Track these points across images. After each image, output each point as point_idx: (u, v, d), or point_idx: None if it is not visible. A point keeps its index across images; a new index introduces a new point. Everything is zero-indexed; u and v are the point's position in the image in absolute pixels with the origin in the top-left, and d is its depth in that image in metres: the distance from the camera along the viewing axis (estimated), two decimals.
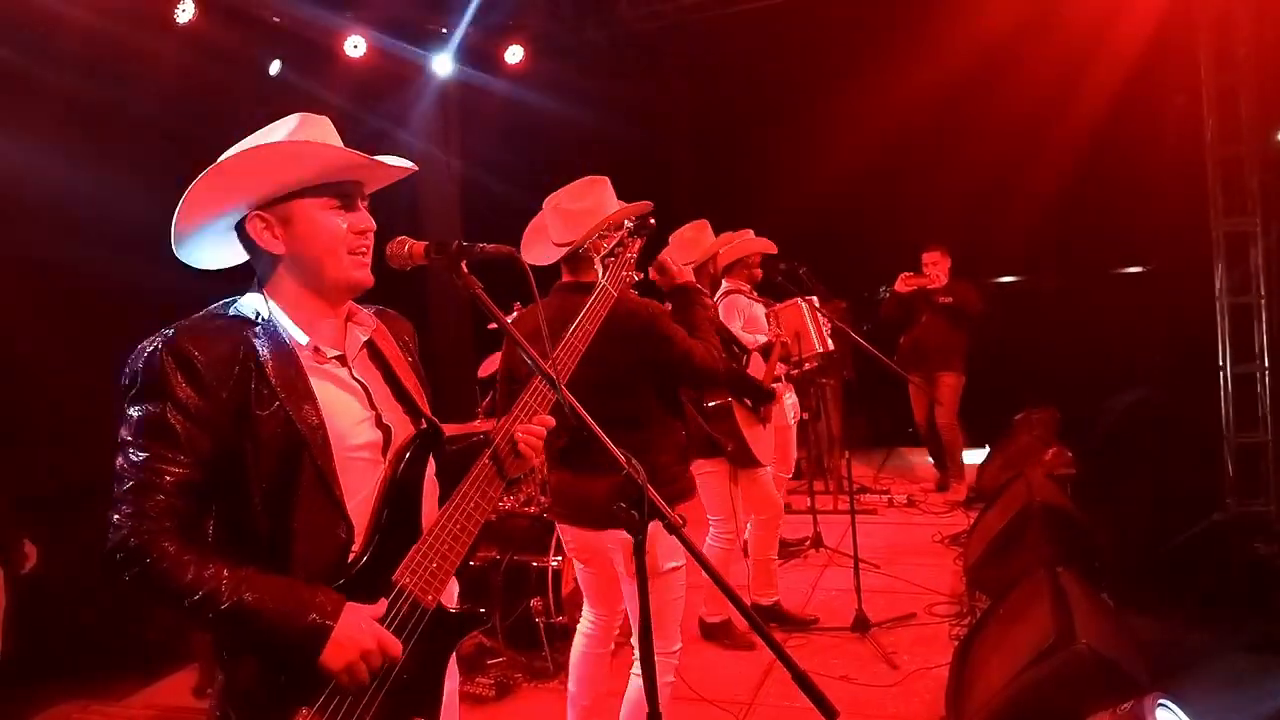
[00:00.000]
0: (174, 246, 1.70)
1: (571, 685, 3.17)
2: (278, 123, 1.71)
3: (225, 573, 1.51)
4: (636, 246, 2.32)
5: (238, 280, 1.76)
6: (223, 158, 1.68)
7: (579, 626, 3.22)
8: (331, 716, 1.57)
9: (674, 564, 2.86)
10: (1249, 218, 5.87)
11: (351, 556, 1.65)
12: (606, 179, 2.93)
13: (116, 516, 1.50)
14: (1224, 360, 6.01)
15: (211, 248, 1.75)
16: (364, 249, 1.73)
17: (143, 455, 1.52)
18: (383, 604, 1.63)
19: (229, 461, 1.57)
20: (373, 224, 1.74)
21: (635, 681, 2.96)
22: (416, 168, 1.79)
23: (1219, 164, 5.90)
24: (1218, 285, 6.03)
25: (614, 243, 2.30)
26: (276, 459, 1.59)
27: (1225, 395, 6.01)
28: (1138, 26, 6.09)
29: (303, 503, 1.60)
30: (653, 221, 2.37)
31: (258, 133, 1.71)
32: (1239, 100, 5.80)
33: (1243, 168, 5.85)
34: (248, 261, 1.77)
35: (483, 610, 1.83)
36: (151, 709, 4.17)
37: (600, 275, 2.23)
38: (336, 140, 1.72)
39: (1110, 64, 6.42)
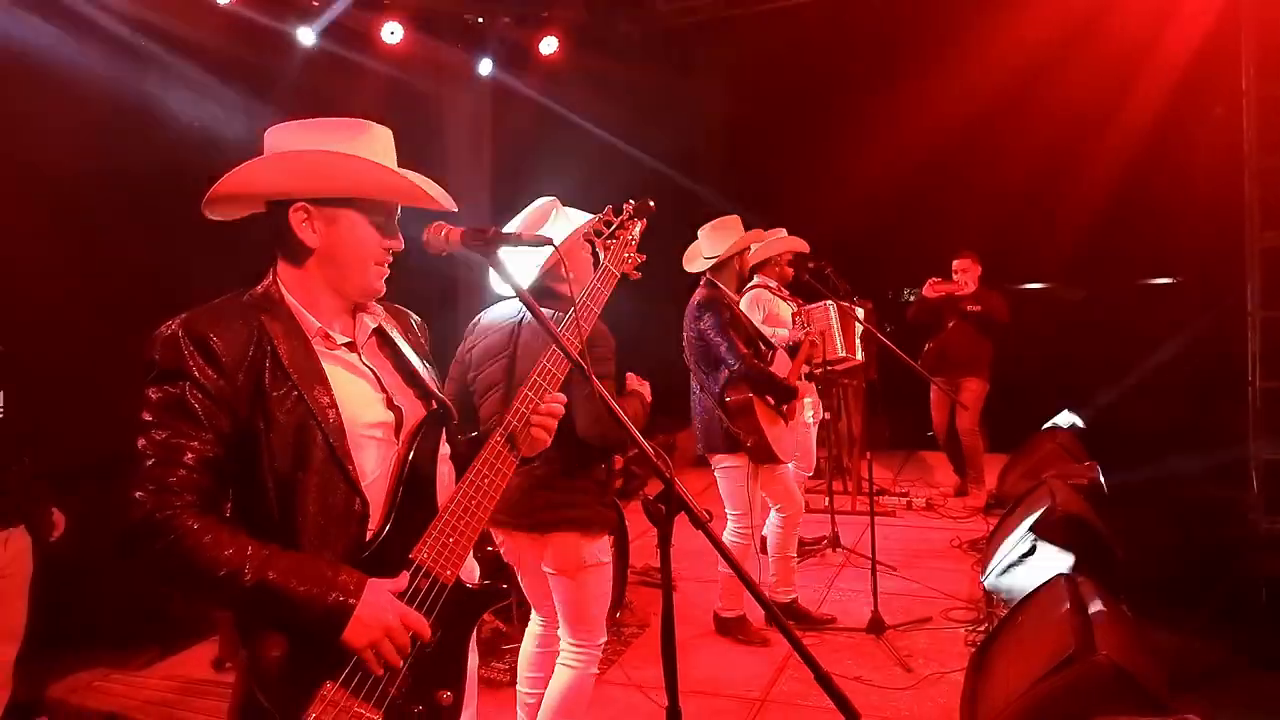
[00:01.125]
0: (206, 200, 1.74)
1: (521, 686, 3.21)
2: (344, 123, 1.75)
3: (249, 550, 1.54)
4: (637, 229, 2.32)
5: (257, 262, 1.80)
6: (286, 143, 1.71)
7: (528, 627, 3.26)
8: (357, 689, 1.60)
9: (595, 560, 2.96)
10: None
11: (370, 535, 1.68)
12: (553, 200, 2.99)
13: (138, 493, 1.52)
14: (1253, 375, 5.94)
15: (233, 208, 1.80)
16: (388, 264, 1.80)
17: (164, 434, 1.55)
18: (403, 578, 1.67)
19: (244, 442, 1.62)
20: (402, 245, 1.81)
21: (564, 672, 3.01)
22: (457, 209, 1.86)
23: (1258, 176, 5.82)
24: (1250, 299, 5.95)
25: (614, 225, 2.29)
26: (291, 438, 1.63)
27: (1252, 411, 5.94)
28: (1179, 37, 6.03)
29: (317, 481, 1.64)
30: (652, 204, 2.38)
31: (319, 124, 1.74)
32: None
33: None
34: (263, 245, 1.80)
35: (504, 585, 1.85)
36: (171, 680, 4.22)
37: (603, 256, 2.23)
38: (393, 154, 1.78)
39: (1150, 73, 6.36)
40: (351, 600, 1.57)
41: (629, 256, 2.28)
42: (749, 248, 4.56)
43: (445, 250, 1.85)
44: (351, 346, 1.78)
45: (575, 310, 2.03)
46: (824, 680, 1.49)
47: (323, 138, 1.72)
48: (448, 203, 1.82)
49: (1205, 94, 6.65)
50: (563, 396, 1.93)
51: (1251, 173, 5.83)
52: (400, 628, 1.61)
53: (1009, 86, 6.87)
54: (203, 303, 1.70)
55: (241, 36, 5.25)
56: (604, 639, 3.06)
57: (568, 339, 1.97)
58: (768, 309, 5.00)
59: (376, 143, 1.76)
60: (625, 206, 2.36)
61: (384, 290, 1.81)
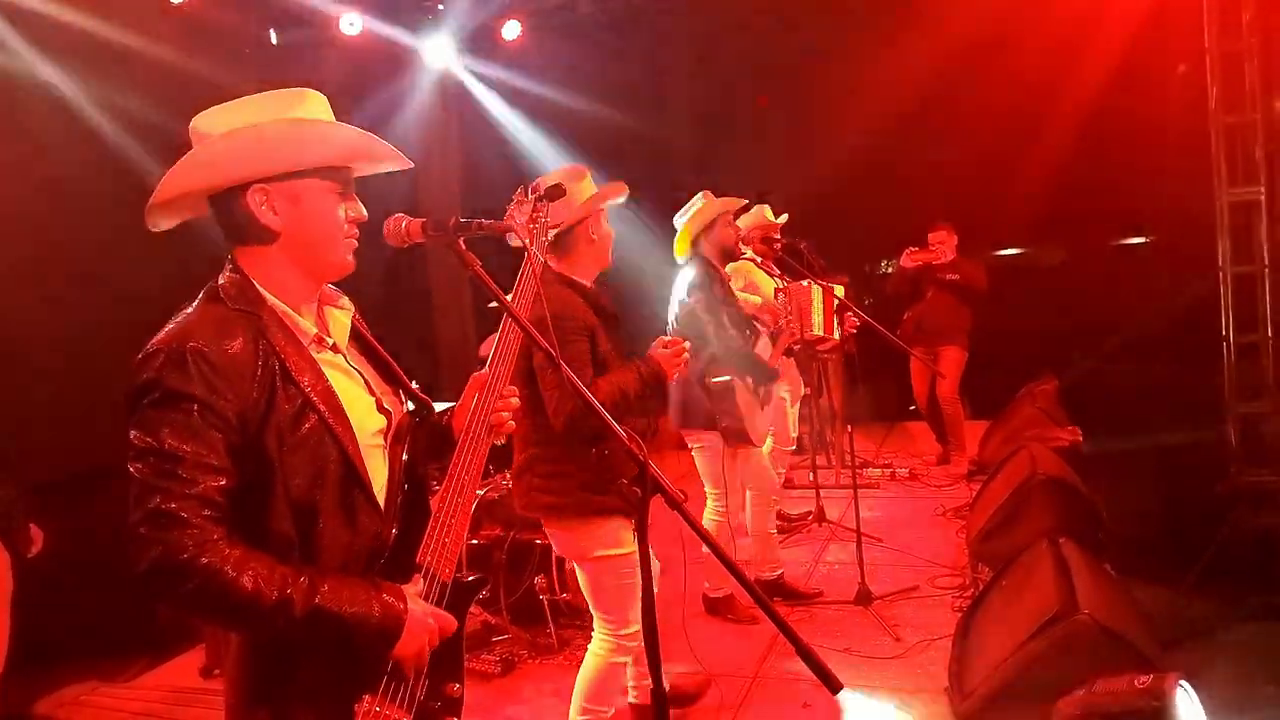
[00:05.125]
0: (150, 208, 1.62)
1: None
2: (278, 94, 1.65)
3: (288, 579, 1.47)
4: (548, 211, 2.29)
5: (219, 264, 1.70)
6: (219, 126, 1.59)
7: None
8: (392, 698, 1.61)
9: (601, 552, 2.93)
10: (1254, 187, 5.81)
11: (379, 543, 1.67)
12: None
13: (146, 530, 1.40)
14: (1226, 330, 5.98)
15: (174, 212, 1.67)
16: (355, 235, 1.72)
17: (170, 461, 1.43)
18: (417, 580, 1.66)
19: (255, 462, 1.52)
20: (365, 214, 1.73)
21: (589, 660, 3.04)
22: (413, 165, 1.81)
23: (1223, 133, 5.83)
24: (1221, 255, 5.98)
25: (530, 209, 2.26)
26: (308, 454, 1.56)
27: (1228, 365, 5.99)
28: None
29: (335, 496, 1.59)
30: (563, 187, 2.36)
31: (250, 100, 1.63)
32: (1244, 68, 5.73)
33: (1247, 136, 5.79)
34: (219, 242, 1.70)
35: (480, 575, 1.88)
36: (159, 690, 4.21)
37: (529, 244, 2.18)
38: (333, 119, 1.70)
39: (1113, 33, 6.37)
40: (403, 616, 1.56)
41: (545, 239, 2.26)
42: (732, 218, 4.49)
43: (406, 242, 1.81)
44: (335, 347, 1.71)
45: (514, 295, 2.01)
46: (805, 653, 1.48)
47: (259, 111, 1.60)
48: (403, 160, 1.76)
49: (1169, 52, 6.66)
50: (513, 390, 1.88)
51: (1216, 129, 5.84)
52: (437, 632, 1.62)
53: (973, 52, 6.86)
54: (172, 309, 1.59)
55: (197, 36, 5.18)
56: (629, 630, 2.98)
57: (510, 341, 1.94)
58: (747, 278, 5.00)
59: (317, 108, 1.67)
60: (533, 188, 2.32)
61: (354, 265, 1.72)
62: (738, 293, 4.73)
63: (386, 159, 1.74)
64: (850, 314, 4.97)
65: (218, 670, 4.21)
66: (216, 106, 1.63)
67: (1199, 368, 6.28)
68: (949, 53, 6.84)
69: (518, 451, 3.01)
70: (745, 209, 4.94)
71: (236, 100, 1.63)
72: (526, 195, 2.28)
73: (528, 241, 2.17)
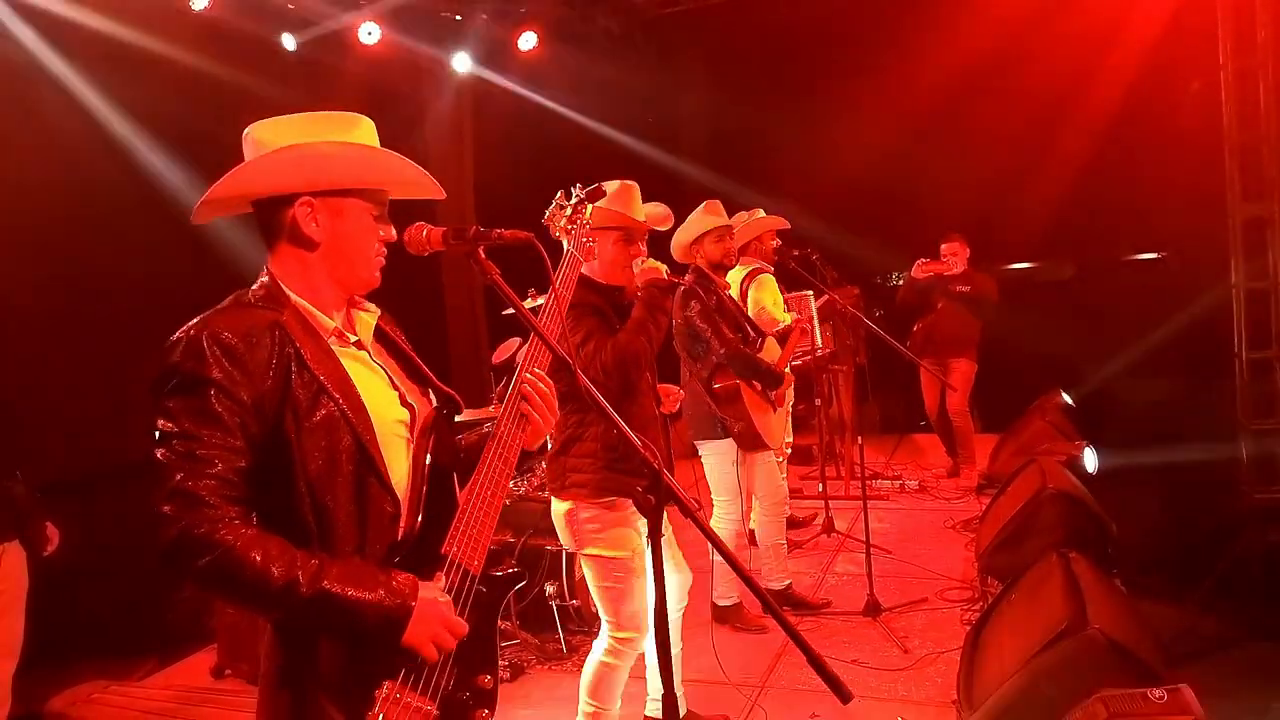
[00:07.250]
0: (201, 205, 1.70)
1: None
2: (333, 116, 1.73)
3: (299, 561, 1.51)
4: (588, 211, 2.34)
5: (246, 267, 1.78)
6: (275, 138, 1.67)
7: None
8: (414, 684, 1.64)
9: (595, 551, 2.98)
10: (1267, 203, 5.82)
11: (401, 534, 1.69)
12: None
13: (167, 508, 1.47)
14: (1239, 346, 5.98)
15: (217, 210, 1.77)
16: (384, 254, 1.80)
17: (190, 443, 1.50)
18: (439, 576, 1.69)
19: (274, 447, 1.58)
20: (395, 236, 1.81)
21: (591, 655, 3.07)
22: (445, 195, 1.88)
23: (1237, 149, 5.85)
24: (1234, 271, 5.98)
25: (568, 210, 2.30)
26: (323, 441, 1.61)
27: (1240, 381, 5.98)
28: (1155, 11, 6.05)
29: (350, 484, 1.63)
30: (605, 189, 2.41)
31: (306, 118, 1.71)
32: (1259, 85, 5.74)
33: (1261, 153, 5.79)
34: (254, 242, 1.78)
35: (517, 569, 1.90)
36: (170, 689, 4.24)
37: (566, 244, 2.23)
38: (378, 144, 1.78)
39: (1127, 50, 6.39)
40: (410, 602, 1.58)
41: (586, 241, 2.29)
42: (729, 234, 4.51)
43: (426, 250, 1.86)
44: (359, 344, 1.77)
45: (553, 295, 2.04)
46: (816, 662, 1.50)
47: (315, 130, 1.70)
48: (439, 190, 1.84)
49: (1183, 69, 6.68)
50: (547, 381, 1.91)
51: (1231, 146, 5.86)
52: (452, 619, 1.65)
53: (988, 65, 6.89)
54: (183, 311, 1.66)
55: (218, 44, 5.23)
56: (625, 635, 2.99)
57: (549, 328, 1.97)
58: (776, 294, 5.01)
59: (368, 133, 1.76)
60: (575, 190, 2.37)
61: (380, 282, 1.80)
62: (769, 307, 4.75)
63: (426, 187, 1.82)
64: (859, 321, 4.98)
65: (229, 670, 4.25)
66: (273, 119, 1.71)
67: (1211, 384, 6.27)
68: (962, 67, 6.86)
69: (555, 436, 3.08)
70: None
71: (293, 115, 1.72)
72: (568, 198, 2.31)
73: (568, 243, 2.21)
